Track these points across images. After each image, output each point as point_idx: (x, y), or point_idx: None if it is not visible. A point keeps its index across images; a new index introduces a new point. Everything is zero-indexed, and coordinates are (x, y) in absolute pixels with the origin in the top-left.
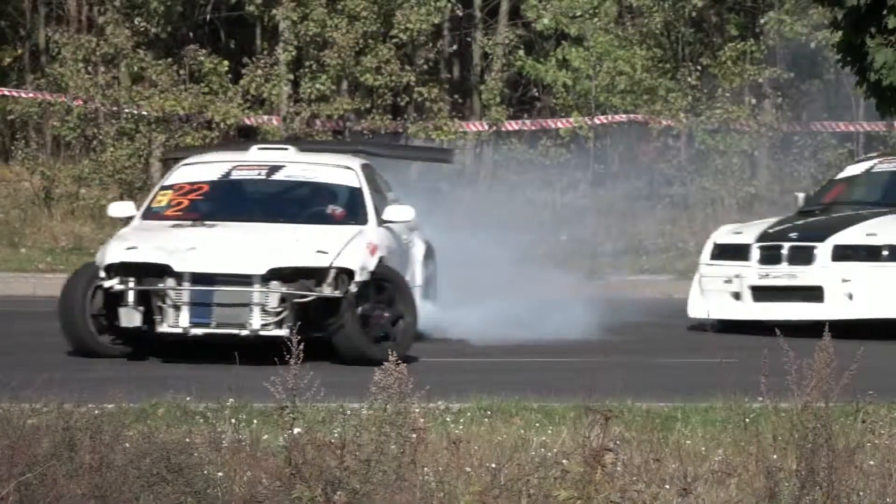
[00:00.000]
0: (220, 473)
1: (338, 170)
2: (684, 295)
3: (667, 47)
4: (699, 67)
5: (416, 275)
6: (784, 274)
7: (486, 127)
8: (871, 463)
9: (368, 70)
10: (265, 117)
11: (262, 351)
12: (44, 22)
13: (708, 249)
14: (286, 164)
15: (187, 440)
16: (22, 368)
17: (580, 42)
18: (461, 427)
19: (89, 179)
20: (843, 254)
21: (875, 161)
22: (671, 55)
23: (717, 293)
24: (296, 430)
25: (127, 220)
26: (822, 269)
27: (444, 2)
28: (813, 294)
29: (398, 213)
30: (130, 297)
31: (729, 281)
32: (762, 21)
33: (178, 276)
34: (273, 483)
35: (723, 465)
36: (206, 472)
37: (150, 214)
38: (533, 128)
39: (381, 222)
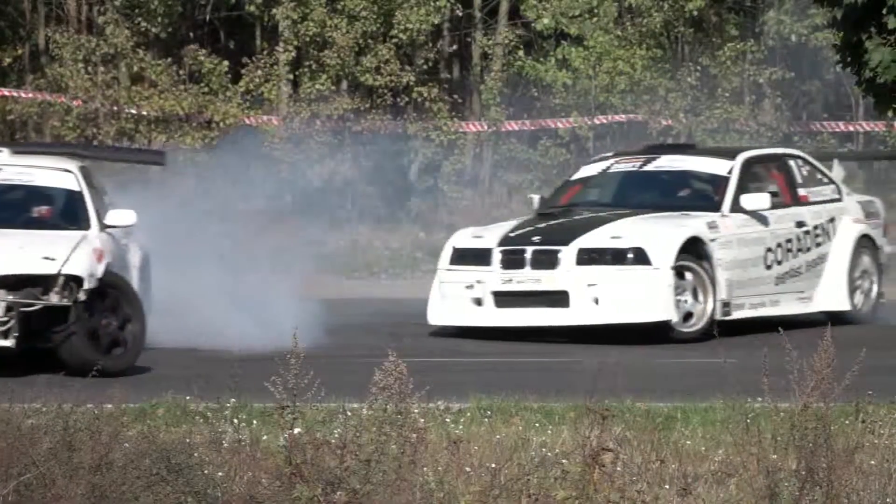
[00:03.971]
0: (220, 473)
1: (56, 172)
2: None
3: (667, 47)
4: (699, 67)
5: (133, 281)
6: (528, 279)
7: (486, 127)
8: (872, 463)
9: (368, 70)
10: (265, 117)
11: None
12: (44, 22)
13: (447, 254)
14: (1, 167)
15: (187, 440)
16: (22, 368)
17: (580, 42)
18: (461, 427)
19: None
20: (588, 257)
21: (611, 161)
22: (671, 55)
23: (458, 299)
24: (296, 430)
25: None
26: (566, 274)
27: (443, 2)
28: (558, 299)
29: (120, 217)
30: None
31: (470, 286)
32: (762, 21)
33: None
34: (273, 483)
35: (723, 465)
36: (206, 472)
37: None
38: (533, 128)
39: (103, 227)
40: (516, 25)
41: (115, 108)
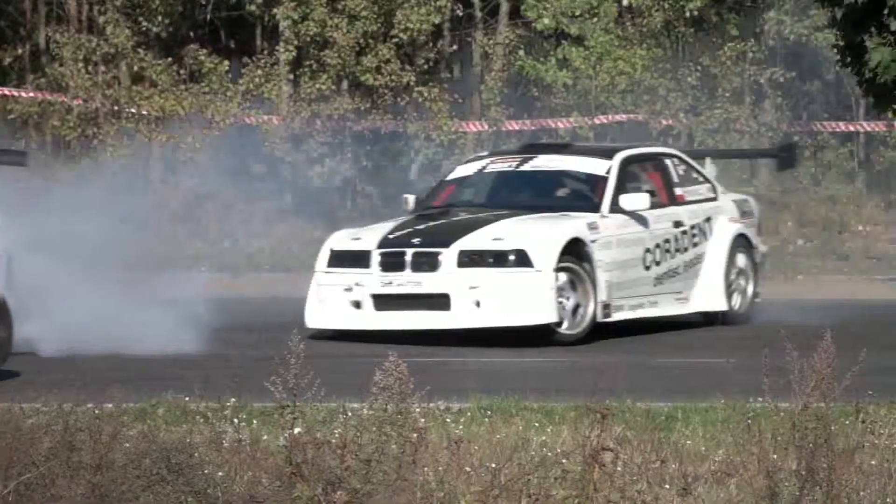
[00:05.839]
0: (220, 473)
1: None
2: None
3: (667, 47)
4: (699, 67)
5: None
6: (408, 281)
7: (487, 127)
8: (872, 463)
9: (368, 70)
10: (265, 117)
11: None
12: (44, 22)
13: (324, 256)
14: None
15: (187, 440)
16: (22, 368)
17: (580, 42)
18: (461, 427)
19: None
20: (470, 259)
21: (487, 161)
22: (671, 55)
23: (336, 302)
24: (296, 430)
25: None
26: (447, 276)
27: (444, 2)
28: (439, 302)
29: None
30: None
31: (349, 289)
32: (762, 21)
33: None
34: (273, 483)
35: (723, 465)
36: (206, 472)
37: None
38: (533, 128)
39: None
40: (517, 25)
41: (116, 107)
